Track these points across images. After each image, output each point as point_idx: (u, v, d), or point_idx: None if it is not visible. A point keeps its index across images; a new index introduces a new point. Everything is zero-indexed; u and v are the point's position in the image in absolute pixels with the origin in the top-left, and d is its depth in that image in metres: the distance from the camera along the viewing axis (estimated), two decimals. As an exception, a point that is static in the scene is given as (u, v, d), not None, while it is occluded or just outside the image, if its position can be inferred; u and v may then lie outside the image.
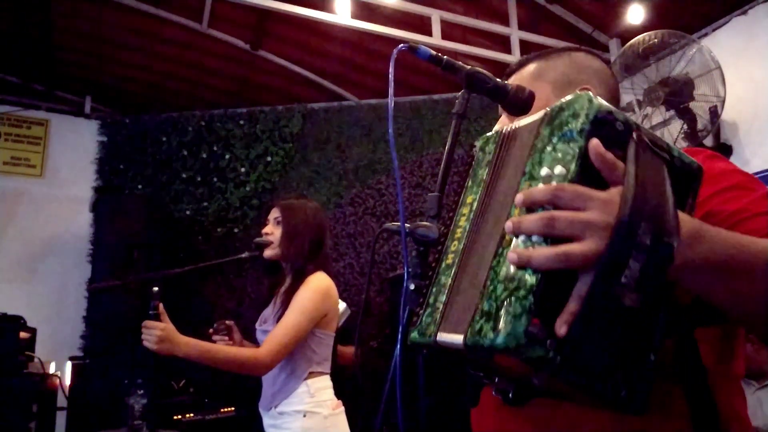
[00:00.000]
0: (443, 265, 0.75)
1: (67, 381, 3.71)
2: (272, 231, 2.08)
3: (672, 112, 3.53)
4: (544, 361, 0.55)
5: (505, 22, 4.26)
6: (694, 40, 3.46)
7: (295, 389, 1.97)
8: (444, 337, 0.67)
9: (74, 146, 4.75)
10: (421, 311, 0.74)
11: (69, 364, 3.86)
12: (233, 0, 3.75)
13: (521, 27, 4.25)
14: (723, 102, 3.32)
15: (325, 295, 2.02)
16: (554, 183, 0.59)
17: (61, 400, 3.59)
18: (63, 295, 4.44)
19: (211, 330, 2.07)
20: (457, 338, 0.64)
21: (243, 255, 2.18)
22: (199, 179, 4.46)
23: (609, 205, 0.56)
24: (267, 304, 2.17)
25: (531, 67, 1.00)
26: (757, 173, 3.28)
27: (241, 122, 4.58)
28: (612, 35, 4.31)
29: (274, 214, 2.12)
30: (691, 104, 3.43)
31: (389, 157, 4.37)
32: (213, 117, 4.62)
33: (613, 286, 0.53)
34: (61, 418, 3.62)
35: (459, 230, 0.75)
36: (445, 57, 0.90)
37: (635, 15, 3.97)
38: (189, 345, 1.82)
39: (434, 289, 0.74)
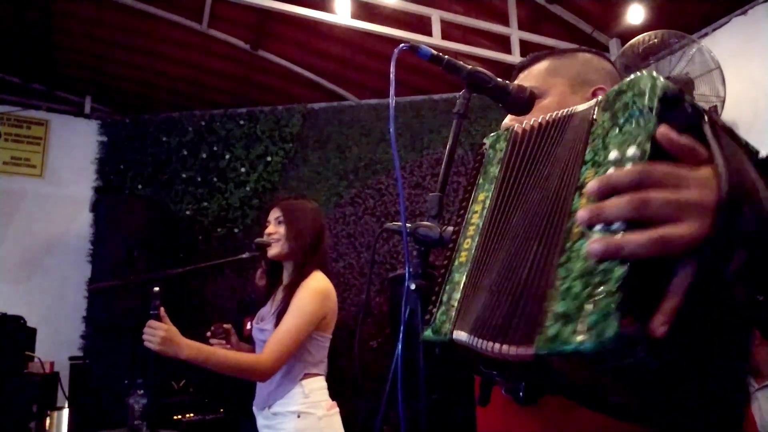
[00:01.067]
0: (456, 263, 0.74)
1: (67, 381, 3.71)
2: (275, 230, 2.09)
3: (672, 112, 3.53)
4: (636, 366, 0.47)
5: (505, 22, 4.26)
6: (694, 40, 3.46)
7: (289, 390, 1.98)
8: (460, 335, 0.66)
9: (74, 146, 4.75)
10: (435, 309, 0.72)
11: (69, 364, 3.86)
12: (233, 0, 3.75)
13: (521, 27, 4.25)
14: (723, 102, 3.33)
15: (325, 297, 2.02)
16: (628, 166, 0.52)
17: (61, 400, 3.59)
18: (63, 295, 4.44)
19: (208, 333, 2.08)
20: (465, 336, 0.62)
21: (243, 255, 2.19)
22: (199, 179, 4.46)
23: (706, 183, 0.48)
24: (264, 303, 2.18)
25: (544, 64, 1.00)
26: (757, 173, 3.28)
27: (241, 122, 4.58)
28: (612, 35, 4.30)
29: (275, 214, 2.13)
30: (691, 104, 3.43)
31: (389, 157, 4.37)
32: (213, 117, 4.62)
33: (721, 276, 0.46)
34: (61, 418, 3.62)
35: (471, 228, 0.74)
36: (446, 57, 0.90)
37: (635, 15, 3.96)
38: (192, 348, 1.82)
39: (447, 287, 0.73)
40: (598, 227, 0.51)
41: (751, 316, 0.49)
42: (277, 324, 1.96)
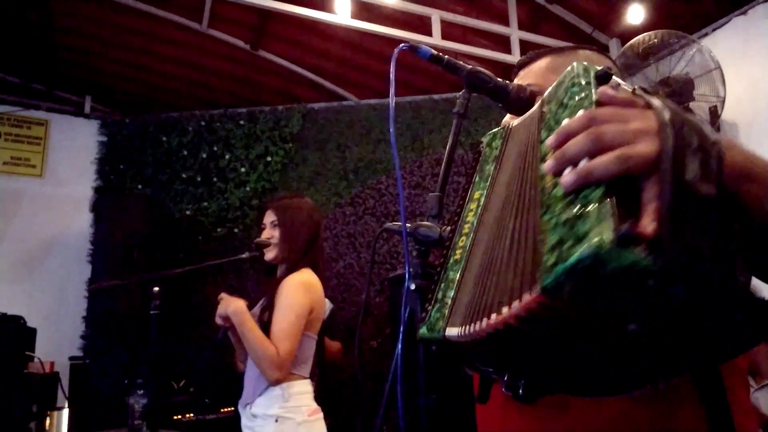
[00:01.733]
0: (451, 260, 0.74)
1: (67, 381, 3.71)
2: (271, 234, 2.08)
3: (672, 112, 3.53)
4: (640, 272, 0.45)
5: (505, 22, 4.26)
6: (694, 40, 3.46)
7: (269, 390, 1.93)
8: (452, 331, 0.66)
9: (74, 146, 4.75)
10: (430, 307, 0.73)
11: (69, 364, 3.86)
12: (233, 0, 3.75)
13: (521, 27, 4.25)
14: (723, 102, 3.33)
15: (307, 289, 1.99)
16: None
17: (61, 400, 3.59)
18: (63, 295, 4.44)
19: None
20: (457, 330, 0.62)
21: (243, 255, 2.19)
22: (199, 179, 4.46)
23: (647, 114, 0.54)
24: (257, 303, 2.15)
25: (545, 61, 0.99)
26: (757, 173, 3.28)
27: (241, 122, 4.58)
28: (612, 35, 4.31)
29: (270, 217, 2.12)
30: (691, 104, 3.43)
31: (389, 157, 4.37)
32: (213, 117, 4.62)
33: (684, 177, 0.49)
34: (61, 418, 3.62)
35: (467, 226, 0.75)
36: (446, 56, 0.90)
37: (635, 15, 3.97)
38: (239, 313, 1.93)
39: (442, 285, 0.73)
40: (567, 170, 0.53)
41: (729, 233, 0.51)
42: (260, 318, 1.94)
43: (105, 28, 4.61)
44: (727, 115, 3.49)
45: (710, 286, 0.48)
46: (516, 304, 0.53)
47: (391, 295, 3.89)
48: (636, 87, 0.59)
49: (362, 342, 3.88)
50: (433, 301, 0.73)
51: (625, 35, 3.98)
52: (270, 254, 2.08)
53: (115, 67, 5.13)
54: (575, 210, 0.49)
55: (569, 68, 0.63)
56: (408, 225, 0.79)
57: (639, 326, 0.50)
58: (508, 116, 0.98)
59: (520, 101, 0.90)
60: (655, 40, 3.45)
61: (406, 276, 0.77)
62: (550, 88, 0.67)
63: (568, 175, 0.52)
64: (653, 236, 0.46)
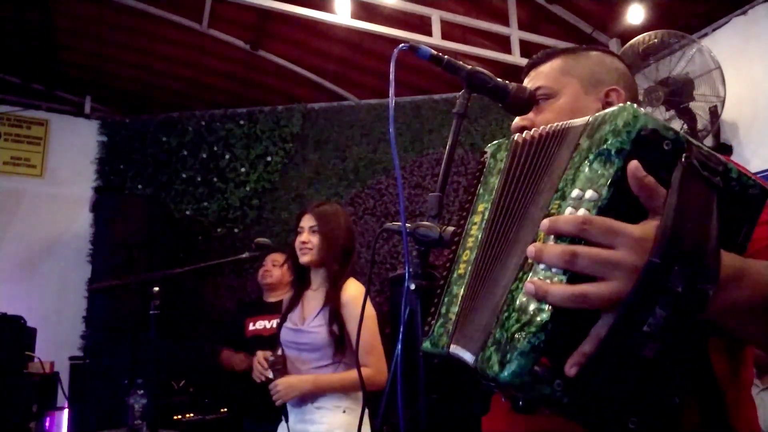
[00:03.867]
0: (455, 275, 0.74)
1: (67, 381, 3.71)
2: (309, 239, 2.11)
3: (672, 112, 3.53)
4: (550, 399, 0.52)
5: (505, 22, 4.26)
6: (694, 40, 3.46)
7: None
8: (457, 350, 0.66)
9: (74, 146, 4.75)
10: (433, 321, 0.73)
11: (69, 364, 3.86)
12: (233, 0, 3.75)
13: (521, 27, 4.25)
14: (723, 102, 3.32)
15: (365, 297, 2.08)
16: (583, 209, 0.54)
17: (61, 400, 3.59)
18: (63, 295, 4.44)
19: (265, 364, 2.11)
20: (469, 356, 0.63)
21: (243, 255, 2.20)
22: (199, 179, 4.46)
23: (641, 243, 0.51)
24: (293, 306, 2.19)
25: (557, 62, 0.97)
26: (757, 173, 3.28)
27: (241, 122, 4.58)
28: (612, 35, 4.30)
29: (309, 222, 2.14)
30: (691, 104, 3.43)
31: (389, 157, 4.36)
32: (213, 117, 4.62)
33: (633, 334, 0.49)
34: (61, 418, 3.62)
35: (470, 239, 0.74)
36: (445, 57, 0.90)
37: (635, 15, 3.96)
38: (308, 382, 2.00)
39: (446, 299, 0.73)
40: (542, 266, 0.55)
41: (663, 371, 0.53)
42: (330, 330, 1.99)
43: (105, 28, 4.61)
44: (727, 115, 3.48)
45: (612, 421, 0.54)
46: (460, 350, 0.65)
47: (391, 295, 3.89)
48: (683, 160, 0.54)
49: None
50: (436, 316, 0.73)
51: (625, 35, 3.98)
52: (306, 257, 2.11)
53: (115, 67, 5.13)
54: (518, 324, 0.55)
55: (619, 108, 0.58)
56: (408, 225, 0.79)
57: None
58: (518, 117, 0.96)
59: (520, 101, 0.90)
60: (655, 40, 3.45)
61: (406, 276, 0.76)
62: (598, 116, 0.61)
63: (531, 282, 0.54)
64: (573, 377, 0.51)
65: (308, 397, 2.02)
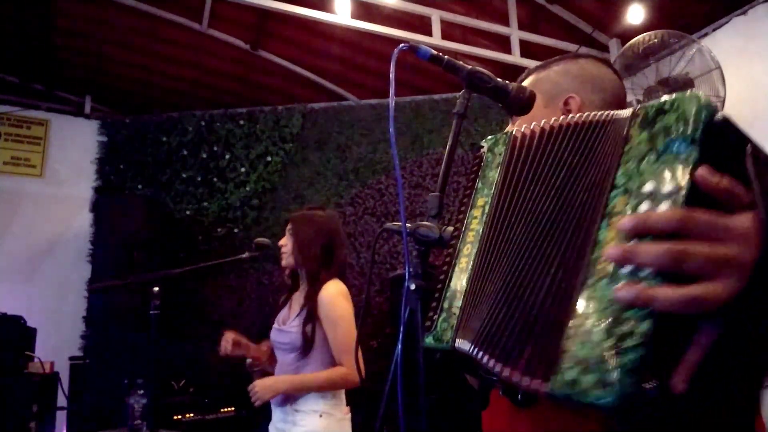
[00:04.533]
0: (456, 269, 0.73)
1: (67, 381, 3.71)
2: (285, 242, 2.17)
3: (672, 112, 3.52)
4: (651, 419, 0.47)
5: (505, 22, 4.26)
6: (694, 40, 3.46)
7: None
8: (463, 343, 0.66)
9: (74, 146, 4.75)
10: (435, 316, 0.72)
11: (69, 365, 3.86)
12: (233, 0, 3.75)
13: (521, 27, 4.25)
14: (723, 102, 3.32)
15: (346, 297, 2.13)
16: (667, 204, 0.49)
17: (61, 400, 3.59)
18: (63, 295, 4.44)
19: (229, 340, 2.17)
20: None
21: (243, 255, 2.21)
22: (199, 179, 4.46)
23: (748, 236, 0.46)
24: (283, 307, 2.25)
25: (528, 79, 1.00)
26: (757, 173, 3.28)
27: (241, 122, 4.58)
28: (612, 35, 4.30)
29: (288, 226, 2.21)
30: (691, 104, 3.43)
31: (389, 157, 4.36)
32: (213, 117, 4.62)
33: (746, 336, 0.46)
34: (61, 418, 3.62)
35: (471, 233, 0.73)
36: (446, 56, 0.90)
37: (635, 15, 3.96)
38: (285, 382, 2.03)
39: (448, 294, 0.72)
40: (626, 269, 0.49)
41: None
42: (304, 330, 2.03)
43: (105, 28, 4.61)
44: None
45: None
46: (527, 379, 0.56)
47: (391, 295, 3.89)
48: (749, 149, 0.51)
49: (362, 342, 3.88)
50: (438, 310, 0.72)
51: (625, 35, 3.98)
52: (283, 261, 2.17)
53: (115, 67, 5.13)
54: (611, 338, 0.47)
55: (680, 95, 0.53)
56: (408, 225, 0.79)
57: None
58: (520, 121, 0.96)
59: (520, 101, 0.90)
60: (655, 40, 3.45)
61: (406, 276, 0.76)
62: (650, 105, 0.56)
63: (626, 288, 0.47)
64: (678, 393, 0.46)
65: (289, 398, 2.04)
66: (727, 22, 3.74)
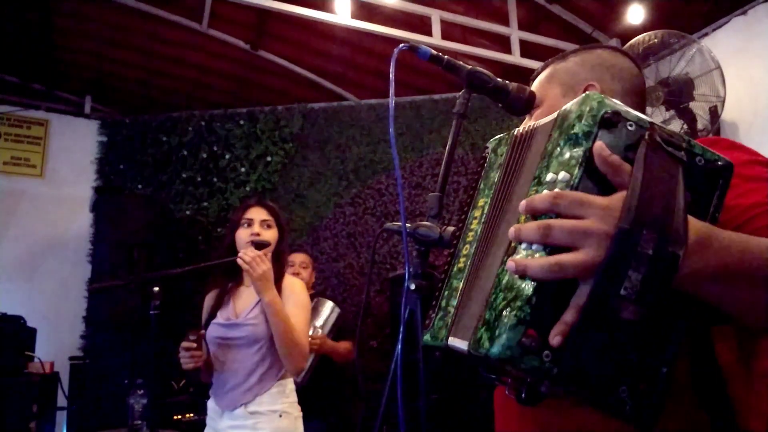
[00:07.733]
0: (455, 268, 0.75)
1: (67, 381, 3.71)
2: (260, 232, 2.05)
3: (672, 112, 3.53)
4: (540, 371, 0.54)
5: (505, 22, 4.26)
6: (694, 40, 3.46)
7: (269, 388, 1.94)
8: (455, 341, 0.67)
9: (74, 146, 4.75)
10: (433, 314, 0.74)
11: (69, 365, 3.86)
12: (233, 0, 3.75)
13: (521, 27, 4.24)
14: (723, 102, 3.32)
15: (304, 288, 2.13)
16: (557, 189, 0.58)
17: (61, 400, 3.59)
18: (63, 295, 4.44)
19: (184, 343, 1.99)
20: (464, 345, 0.64)
21: (243, 255, 2.18)
22: (199, 179, 4.46)
23: (609, 212, 0.54)
24: (222, 303, 2.13)
25: (546, 71, 0.98)
26: (757, 173, 3.27)
27: (241, 122, 4.58)
28: (612, 35, 4.30)
29: (260, 215, 2.09)
30: (691, 104, 3.43)
31: (389, 157, 4.37)
32: (213, 117, 4.62)
33: (611, 297, 0.52)
34: (61, 418, 3.62)
35: (470, 234, 0.75)
36: (446, 56, 0.90)
37: (635, 15, 3.96)
38: (275, 294, 1.90)
39: (446, 293, 0.74)
40: (524, 245, 0.58)
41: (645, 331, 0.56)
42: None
43: (105, 28, 4.61)
44: (727, 115, 3.48)
45: (606, 405, 0.56)
46: (458, 341, 0.66)
47: (391, 295, 3.89)
48: (646, 137, 0.58)
49: (362, 342, 3.88)
50: (436, 309, 0.74)
51: (625, 35, 3.98)
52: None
53: (115, 67, 5.13)
54: (504, 302, 0.57)
55: (582, 97, 0.62)
56: (408, 225, 0.79)
57: (549, 389, 0.60)
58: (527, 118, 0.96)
59: (520, 101, 0.90)
60: (655, 40, 3.45)
61: (406, 276, 0.77)
62: (564, 108, 0.66)
63: (512, 260, 0.56)
64: (557, 347, 0.53)
65: (242, 400, 1.91)
66: (727, 22, 3.74)
